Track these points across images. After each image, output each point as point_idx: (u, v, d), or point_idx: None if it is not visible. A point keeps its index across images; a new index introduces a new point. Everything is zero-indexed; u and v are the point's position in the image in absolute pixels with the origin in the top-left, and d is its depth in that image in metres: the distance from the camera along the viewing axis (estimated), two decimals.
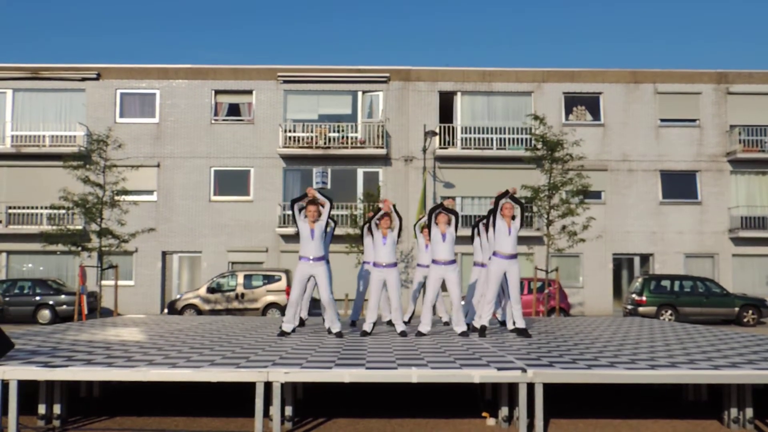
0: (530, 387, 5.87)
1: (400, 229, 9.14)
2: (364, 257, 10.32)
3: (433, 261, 8.98)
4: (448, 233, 8.87)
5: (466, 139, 25.68)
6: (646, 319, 15.26)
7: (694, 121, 26.08)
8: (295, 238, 23.13)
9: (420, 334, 9.02)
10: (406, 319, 10.95)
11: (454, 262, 8.96)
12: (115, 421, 6.53)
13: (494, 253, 8.90)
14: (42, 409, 6.33)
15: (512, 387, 6.15)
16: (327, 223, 8.92)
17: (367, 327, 9.21)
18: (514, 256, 8.87)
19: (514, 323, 9.24)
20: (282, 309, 20.73)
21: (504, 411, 6.28)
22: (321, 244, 8.66)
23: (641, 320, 13.69)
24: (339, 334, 8.88)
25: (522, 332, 9.01)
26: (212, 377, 5.97)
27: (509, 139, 25.56)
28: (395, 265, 9.07)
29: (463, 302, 9.88)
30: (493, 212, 9.04)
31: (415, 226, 10.98)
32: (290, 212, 25.08)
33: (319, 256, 8.64)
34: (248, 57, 74.11)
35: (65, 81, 25.78)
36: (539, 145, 20.60)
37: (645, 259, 25.86)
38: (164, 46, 69.67)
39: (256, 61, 57.30)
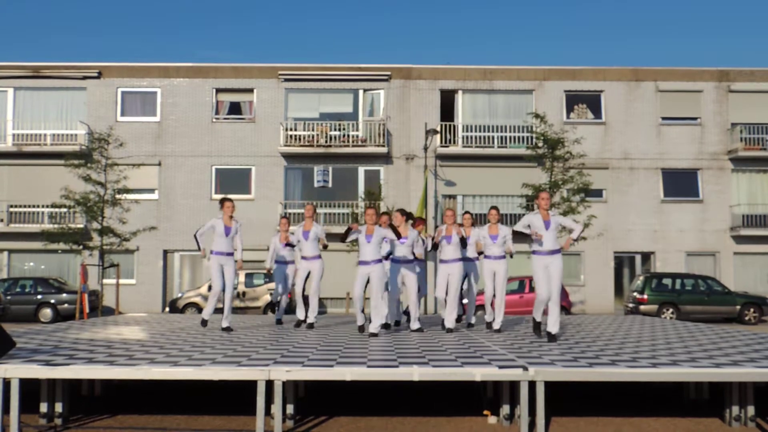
0: (532, 385, 5.86)
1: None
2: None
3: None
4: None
5: (467, 137, 25.67)
6: (648, 317, 15.27)
7: (695, 119, 26.04)
8: None
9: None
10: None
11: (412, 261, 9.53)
12: (117, 419, 6.54)
13: (534, 251, 8.31)
14: (44, 407, 6.33)
15: (514, 385, 6.15)
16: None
17: (373, 328, 9.01)
18: (556, 251, 8.24)
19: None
20: None
21: (505, 409, 6.28)
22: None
23: (642, 318, 13.70)
24: (309, 325, 9.88)
25: (536, 326, 8.58)
26: (214, 375, 5.97)
27: (510, 137, 25.53)
28: (380, 261, 9.02)
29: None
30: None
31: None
32: (292, 210, 25.11)
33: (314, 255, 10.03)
34: (249, 55, 74.11)
35: (66, 79, 25.78)
36: (540, 144, 20.62)
37: (646, 257, 25.84)
38: (165, 45, 69.71)
39: (257, 59, 57.34)
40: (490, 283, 9.70)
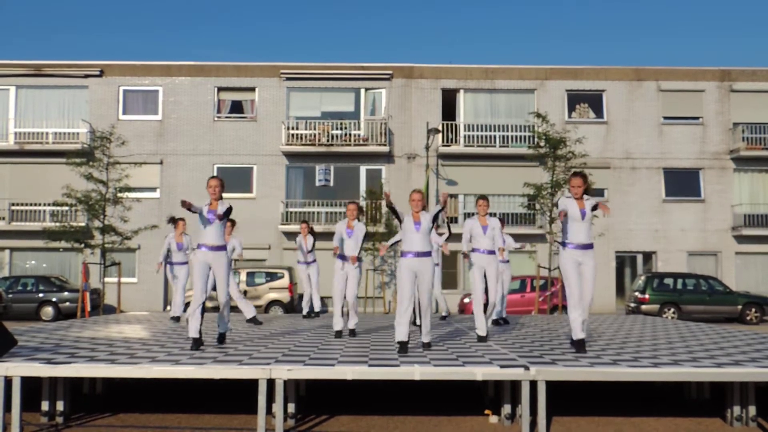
0: (533, 385, 5.86)
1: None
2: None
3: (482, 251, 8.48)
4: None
5: (468, 136, 25.66)
6: (649, 317, 15.27)
7: (697, 118, 26.01)
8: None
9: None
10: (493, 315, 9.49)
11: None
12: (118, 417, 6.55)
13: (564, 244, 7.20)
14: (45, 405, 6.35)
15: (515, 385, 6.15)
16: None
17: (352, 325, 8.83)
18: (589, 246, 7.06)
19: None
20: (284, 306, 20.75)
21: (506, 409, 6.28)
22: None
23: (644, 318, 13.71)
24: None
25: (579, 344, 7.10)
26: (215, 374, 5.98)
27: (512, 136, 25.51)
28: (359, 259, 8.93)
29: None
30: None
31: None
32: (293, 209, 25.12)
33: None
34: (251, 54, 74.03)
35: (68, 78, 25.79)
36: (542, 143, 20.58)
37: (648, 256, 25.82)
38: (167, 43, 69.73)
39: (259, 58, 57.36)
40: (480, 282, 8.36)
